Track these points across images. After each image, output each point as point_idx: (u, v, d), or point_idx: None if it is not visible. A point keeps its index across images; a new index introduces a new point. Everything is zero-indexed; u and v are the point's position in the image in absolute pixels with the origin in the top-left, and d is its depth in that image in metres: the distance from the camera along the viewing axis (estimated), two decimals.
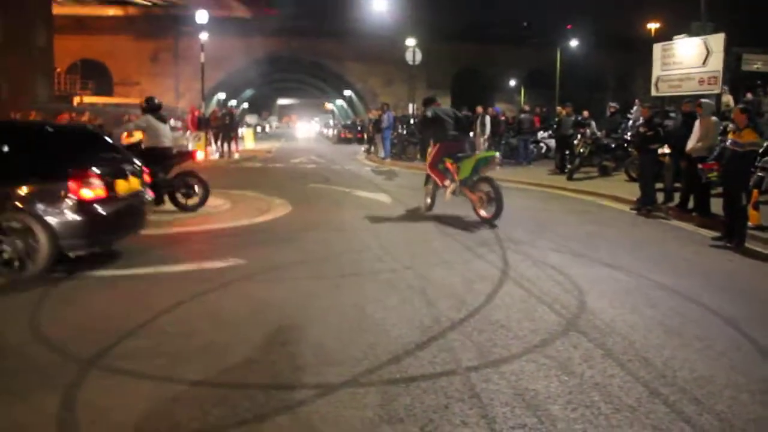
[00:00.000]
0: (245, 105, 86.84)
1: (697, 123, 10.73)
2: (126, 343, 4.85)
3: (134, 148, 11.58)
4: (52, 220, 6.64)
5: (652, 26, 45.52)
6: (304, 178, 18.26)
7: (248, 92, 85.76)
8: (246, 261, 7.54)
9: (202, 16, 34.76)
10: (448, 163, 10.80)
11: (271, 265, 7.47)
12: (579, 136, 17.75)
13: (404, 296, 6.18)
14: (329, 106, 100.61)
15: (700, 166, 10.13)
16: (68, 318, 5.51)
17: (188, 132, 27.57)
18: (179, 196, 11.26)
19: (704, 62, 14.25)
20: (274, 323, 5.34)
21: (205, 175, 11.82)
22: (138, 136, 11.85)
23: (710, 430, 3.64)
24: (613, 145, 17.71)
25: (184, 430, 3.60)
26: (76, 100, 45.50)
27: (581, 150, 17.27)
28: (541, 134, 24.47)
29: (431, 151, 11.17)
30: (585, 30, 54.16)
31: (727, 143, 9.25)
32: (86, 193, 6.82)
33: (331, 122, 72.66)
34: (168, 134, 11.60)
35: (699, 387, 4.17)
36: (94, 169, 7.02)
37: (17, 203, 6.64)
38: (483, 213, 10.37)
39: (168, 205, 11.17)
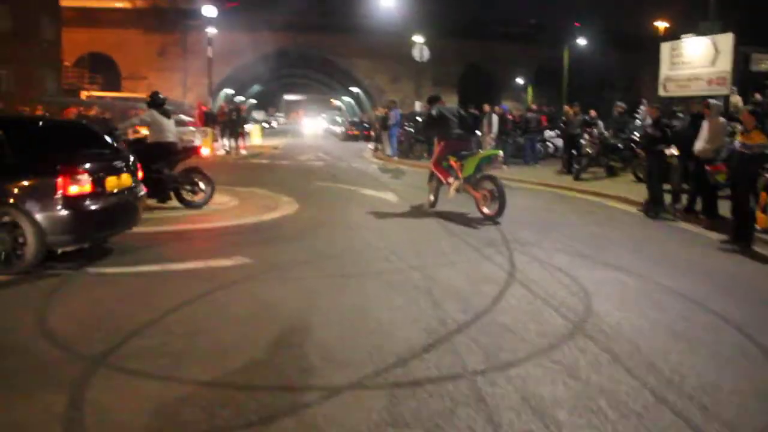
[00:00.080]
0: (252, 101, 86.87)
1: (704, 124, 10.67)
2: (132, 342, 4.85)
3: (140, 143, 11.66)
4: (38, 215, 6.66)
5: (661, 25, 45.37)
6: (311, 176, 18.27)
7: (255, 88, 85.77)
8: (252, 259, 7.55)
9: (209, 10, 34.84)
10: (452, 161, 10.93)
11: (278, 264, 7.47)
12: (586, 136, 17.69)
13: (410, 297, 6.18)
14: (336, 102, 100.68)
15: (707, 168, 10.09)
16: (75, 315, 5.52)
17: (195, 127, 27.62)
18: (185, 193, 11.27)
19: (713, 62, 14.20)
20: (280, 323, 5.35)
21: (212, 172, 11.84)
22: (145, 131, 11.89)
23: None
24: (620, 146, 17.63)
25: (191, 431, 3.60)
26: (84, 94, 45.62)
27: (588, 150, 17.22)
28: (548, 133, 24.38)
29: (436, 148, 11.36)
30: (593, 28, 53.92)
31: (736, 145, 9.21)
32: (73, 189, 6.83)
33: (339, 119, 72.57)
34: (172, 129, 11.62)
35: (706, 393, 4.15)
36: (82, 165, 7.02)
37: (6, 198, 6.65)
38: (486, 210, 10.54)
39: (173, 202, 11.18)
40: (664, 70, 15.78)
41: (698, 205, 11.00)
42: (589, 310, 5.87)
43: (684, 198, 11.71)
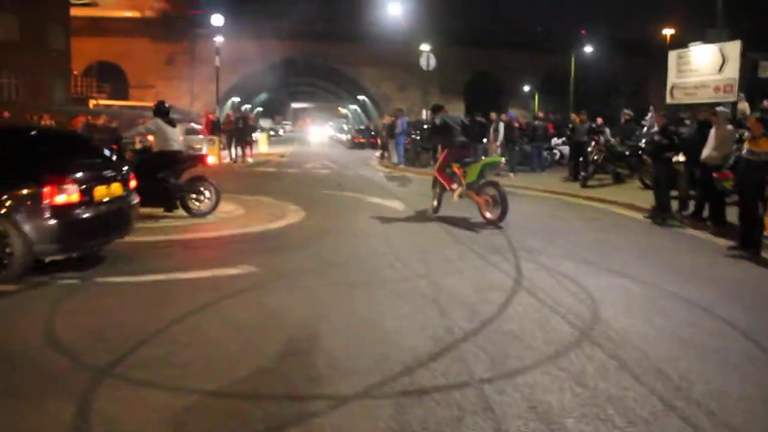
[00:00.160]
0: (259, 108, 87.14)
1: (712, 131, 10.64)
2: (139, 352, 4.86)
3: (146, 152, 11.70)
4: (25, 225, 6.68)
5: (668, 32, 45.36)
6: (318, 184, 18.30)
7: (262, 96, 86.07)
8: (258, 268, 7.55)
9: (217, 18, 34.98)
10: (456, 168, 11.27)
11: (284, 273, 7.48)
12: (593, 143, 17.66)
13: (417, 305, 6.17)
14: (343, 110, 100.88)
15: (715, 175, 10.05)
16: (82, 325, 5.53)
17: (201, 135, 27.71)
18: (190, 202, 11.28)
19: (720, 69, 14.17)
20: (287, 332, 5.35)
21: (218, 180, 11.86)
22: (152, 139, 11.94)
23: None
24: (627, 153, 17.60)
25: None
26: (92, 102, 45.84)
27: (595, 157, 17.19)
28: (554, 141, 24.36)
29: (439, 156, 11.76)
30: (599, 36, 54.02)
31: (743, 152, 9.17)
32: (60, 199, 6.85)
33: (345, 127, 72.67)
34: (177, 138, 11.68)
35: (714, 400, 4.13)
36: (69, 174, 7.05)
37: None
38: (488, 215, 10.83)
39: (179, 211, 11.19)
40: (672, 78, 15.75)
41: (706, 212, 10.95)
42: (596, 317, 5.85)
43: (691, 205, 11.67)
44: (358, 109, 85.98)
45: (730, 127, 10.89)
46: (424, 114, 33.60)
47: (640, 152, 16.84)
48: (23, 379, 4.37)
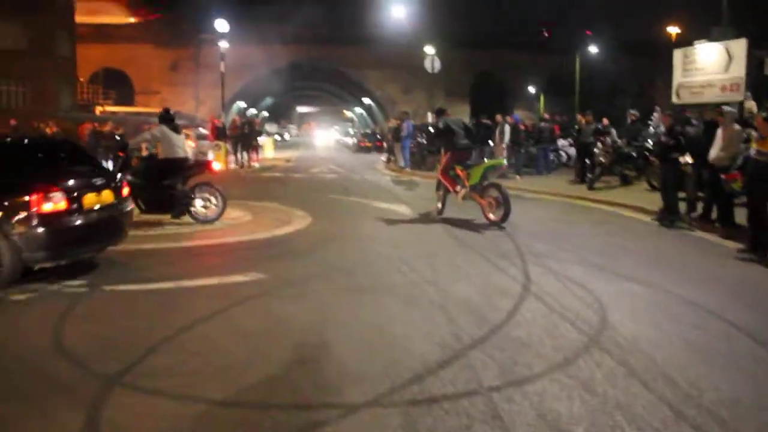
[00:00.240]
0: (265, 113, 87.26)
1: (719, 132, 10.56)
2: (148, 360, 4.86)
3: (152, 159, 11.73)
4: (14, 233, 6.72)
5: (673, 30, 45.22)
6: (324, 189, 18.30)
7: (268, 100, 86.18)
8: (266, 275, 7.55)
9: (221, 24, 35.06)
10: (459, 170, 11.48)
11: (292, 280, 7.47)
12: (599, 144, 17.62)
13: (425, 312, 6.16)
14: (348, 113, 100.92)
15: (722, 176, 9.99)
16: (90, 333, 5.54)
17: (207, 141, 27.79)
18: (197, 208, 11.28)
19: (726, 68, 14.11)
20: (295, 340, 5.34)
21: (224, 186, 11.87)
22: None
23: None
24: (634, 154, 17.54)
25: None
26: (99, 109, 46.03)
27: (602, 159, 17.14)
28: (561, 142, 24.30)
29: (442, 159, 11.91)
30: (604, 36, 53.83)
31: (751, 153, 9.12)
32: (47, 207, 6.89)
33: (351, 131, 72.63)
34: (182, 144, 11.69)
35: (724, 407, 4.09)
36: (57, 182, 7.10)
37: None
38: (492, 216, 11.02)
39: (186, 218, 11.19)
40: (677, 77, 15.67)
41: (714, 214, 10.90)
42: (605, 322, 5.83)
43: (699, 206, 11.61)
44: (364, 113, 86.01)
45: (737, 126, 10.82)
46: (429, 117, 33.56)
47: (647, 153, 16.81)
48: (32, 387, 4.39)
